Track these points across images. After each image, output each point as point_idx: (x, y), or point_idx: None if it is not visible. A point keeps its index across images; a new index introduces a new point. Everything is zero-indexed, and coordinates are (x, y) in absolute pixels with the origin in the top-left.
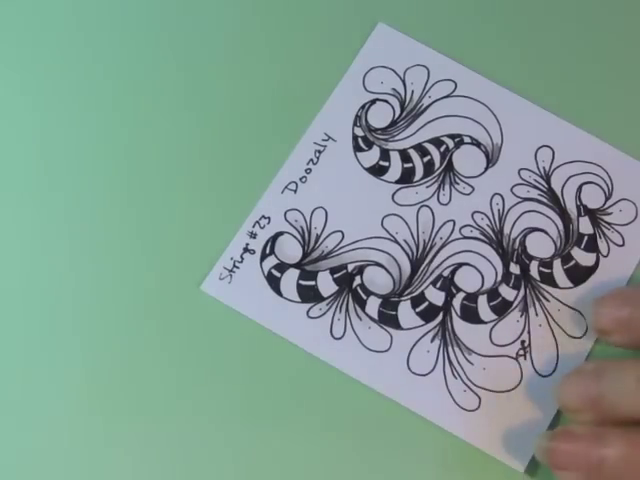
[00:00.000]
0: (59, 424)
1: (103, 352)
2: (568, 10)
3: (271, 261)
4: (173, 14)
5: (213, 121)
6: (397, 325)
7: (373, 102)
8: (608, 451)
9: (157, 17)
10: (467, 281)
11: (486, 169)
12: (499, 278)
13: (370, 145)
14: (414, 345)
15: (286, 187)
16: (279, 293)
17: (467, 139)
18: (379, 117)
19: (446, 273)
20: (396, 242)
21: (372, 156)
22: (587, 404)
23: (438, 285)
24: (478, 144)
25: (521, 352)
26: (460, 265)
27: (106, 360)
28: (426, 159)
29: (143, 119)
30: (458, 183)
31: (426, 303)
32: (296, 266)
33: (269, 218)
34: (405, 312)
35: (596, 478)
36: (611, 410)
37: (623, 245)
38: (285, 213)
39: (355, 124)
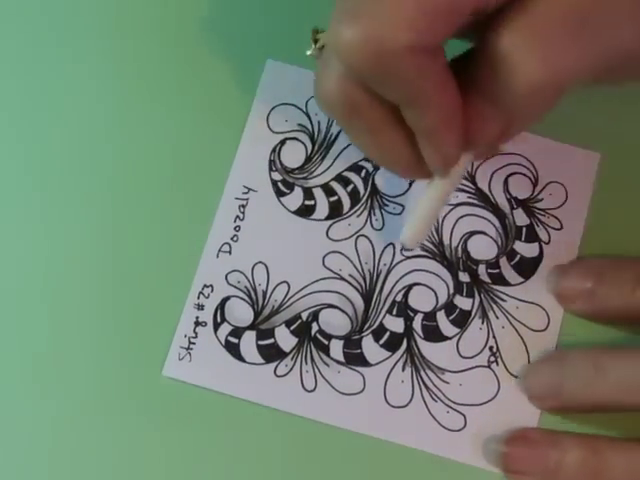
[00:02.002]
0: None
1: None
2: None
3: (225, 329)
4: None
5: (126, 203)
6: (365, 362)
7: (283, 142)
8: (565, 456)
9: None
10: (421, 301)
11: (411, 184)
12: (451, 290)
13: (291, 187)
14: (387, 378)
15: (220, 250)
16: (241, 359)
17: None
18: (292, 156)
19: (399, 298)
20: (342, 279)
21: (296, 198)
22: (549, 392)
23: (394, 312)
24: None
25: (492, 359)
26: (410, 287)
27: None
28: (349, 188)
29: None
30: (387, 205)
31: (387, 333)
32: (251, 327)
33: (211, 286)
34: (369, 347)
35: None
36: (571, 397)
37: (562, 228)
38: (226, 277)
39: (271, 169)
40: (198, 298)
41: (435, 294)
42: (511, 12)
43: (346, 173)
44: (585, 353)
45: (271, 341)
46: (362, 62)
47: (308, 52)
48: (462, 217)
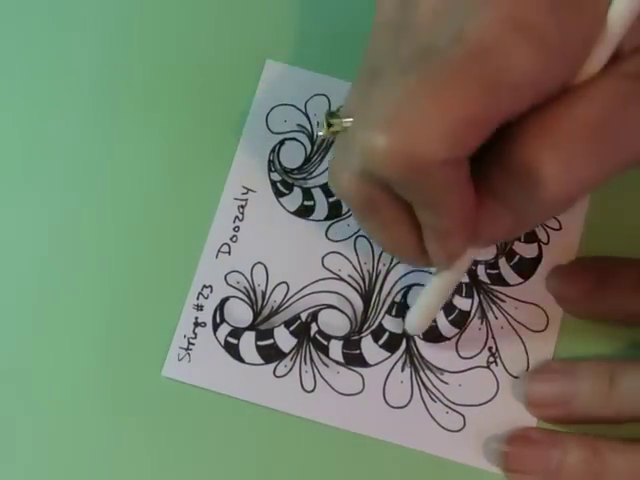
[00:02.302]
0: None
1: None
2: None
3: (224, 329)
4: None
5: (126, 204)
6: (364, 363)
7: (282, 143)
8: (567, 457)
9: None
10: None
11: None
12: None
13: (290, 188)
14: (386, 379)
15: (219, 251)
16: (241, 360)
17: None
18: (292, 157)
19: (398, 298)
20: (342, 280)
21: (295, 198)
22: (556, 402)
23: (394, 312)
24: None
25: (491, 359)
26: (410, 287)
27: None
28: (317, 130)
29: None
30: None
31: (387, 334)
32: (250, 328)
33: (211, 286)
34: (369, 348)
35: None
36: (581, 409)
37: (561, 228)
38: (225, 277)
39: (270, 170)
40: (197, 299)
41: None
42: (536, 124)
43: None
44: (597, 364)
45: (270, 342)
46: (393, 172)
47: (320, 133)
48: None
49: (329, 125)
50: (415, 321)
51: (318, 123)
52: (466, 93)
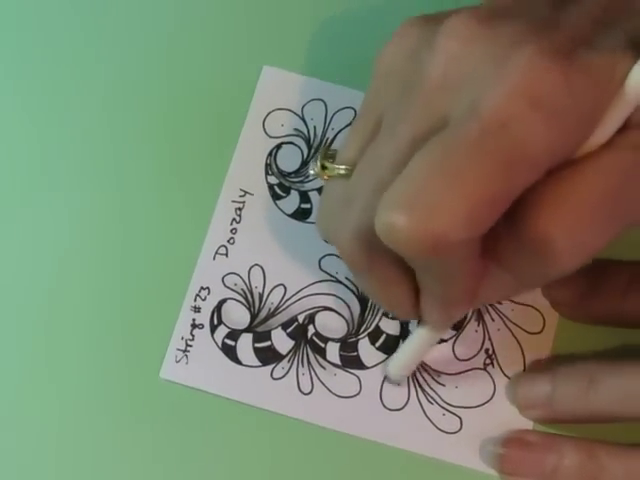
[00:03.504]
0: None
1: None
2: None
3: (222, 331)
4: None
5: (123, 205)
6: (361, 365)
7: (279, 147)
8: (562, 460)
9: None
10: None
11: None
12: None
13: (287, 191)
14: (383, 381)
15: (216, 253)
16: (238, 362)
17: None
18: (289, 160)
19: None
20: (339, 282)
21: (292, 201)
22: (539, 403)
23: (390, 315)
24: None
25: (488, 361)
26: None
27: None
28: (310, 167)
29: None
30: None
31: (384, 336)
32: (247, 330)
33: (208, 288)
34: (366, 350)
35: None
36: (562, 409)
37: None
38: (223, 279)
39: (267, 173)
40: (195, 300)
41: None
42: (545, 196)
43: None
44: (578, 365)
45: (268, 344)
46: (413, 251)
47: (311, 171)
48: None
49: (323, 167)
50: (396, 369)
51: (309, 172)
52: (485, 172)
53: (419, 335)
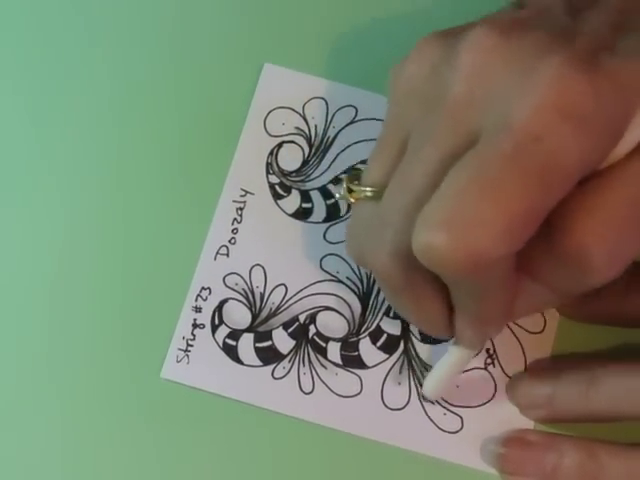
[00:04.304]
0: None
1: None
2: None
3: (223, 331)
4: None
5: (124, 205)
6: (362, 365)
7: (280, 145)
8: (562, 460)
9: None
10: None
11: None
12: None
13: (288, 190)
14: (384, 381)
15: (217, 253)
16: (239, 361)
17: None
18: (290, 159)
19: None
20: (340, 282)
21: (293, 201)
22: (540, 403)
23: (392, 314)
24: None
25: (489, 361)
26: None
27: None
28: (335, 189)
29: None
30: None
31: (385, 335)
32: (249, 330)
33: (209, 288)
34: (367, 350)
35: None
36: (562, 409)
37: None
38: (224, 279)
39: (268, 172)
40: (196, 300)
41: None
42: (578, 207)
43: (343, 176)
44: (579, 365)
45: (269, 343)
46: (452, 270)
47: (337, 195)
48: None
49: (349, 190)
50: (433, 387)
51: (335, 195)
52: (520, 186)
53: (453, 354)
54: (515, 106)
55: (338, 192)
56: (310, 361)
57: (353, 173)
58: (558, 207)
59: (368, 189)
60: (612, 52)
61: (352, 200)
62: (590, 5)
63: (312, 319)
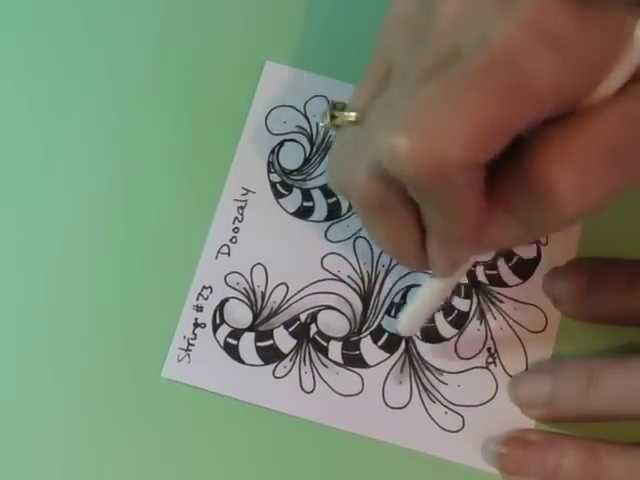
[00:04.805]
0: None
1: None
2: None
3: (224, 330)
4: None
5: (126, 205)
6: (364, 364)
7: (281, 144)
8: (563, 459)
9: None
10: None
11: None
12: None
13: (290, 189)
14: (385, 380)
15: (219, 252)
16: (240, 360)
17: None
18: (291, 158)
19: (397, 299)
20: (341, 281)
21: (294, 199)
22: (540, 402)
23: (393, 313)
24: None
25: (490, 360)
26: (409, 288)
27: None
28: (319, 119)
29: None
30: None
31: (386, 334)
32: (250, 329)
33: (210, 287)
34: (368, 349)
35: None
36: (563, 408)
37: None
38: (225, 278)
39: (269, 171)
40: (197, 299)
41: None
42: (552, 140)
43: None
44: (578, 364)
45: (270, 342)
46: (414, 173)
47: (321, 124)
48: None
49: (332, 117)
50: (407, 323)
51: (319, 124)
52: (489, 98)
53: (428, 286)
54: (496, 26)
55: (322, 121)
56: (311, 360)
57: (337, 103)
58: (533, 140)
59: (352, 114)
60: None
61: (334, 127)
62: None
63: (313, 318)
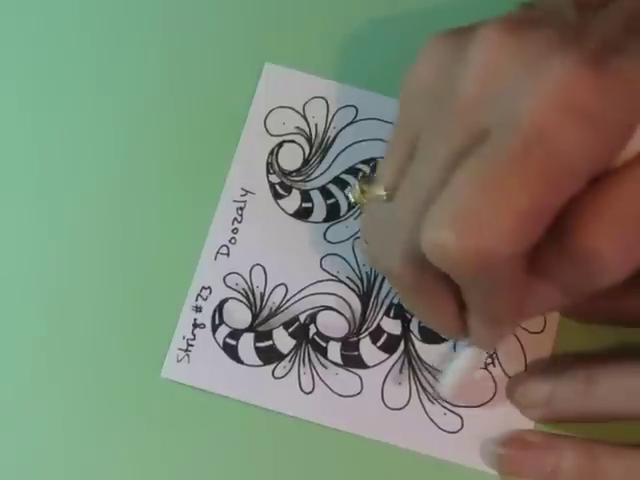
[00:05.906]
0: None
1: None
2: None
3: (223, 331)
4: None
5: (124, 205)
6: (363, 365)
7: (280, 145)
8: (562, 461)
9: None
10: None
11: None
12: None
13: (289, 190)
14: (384, 380)
15: (218, 252)
16: (239, 361)
17: None
18: (290, 159)
19: (396, 300)
20: (340, 281)
21: (293, 200)
22: (539, 402)
23: (392, 314)
24: None
25: (489, 361)
26: None
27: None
28: (347, 191)
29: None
30: None
31: (385, 335)
32: (249, 330)
33: (210, 288)
34: (367, 349)
35: None
36: (561, 408)
37: None
38: (224, 279)
39: (269, 172)
40: (196, 300)
41: None
42: (589, 207)
43: (344, 175)
44: (577, 364)
45: (269, 343)
46: (462, 268)
47: (351, 198)
48: None
49: (362, 192)
50: (448, 390)
51: (347, 197)
52: (529, 183)
53: (467, 355)
54: (523, 104)
55: (351, 193)
56: (310, 361)
57: (366, 175)
58: (569, 207)
59: (383, 191)
60: (622, 54)
61: (365, 202)
62: (601, 7)
63: (312, 319)
